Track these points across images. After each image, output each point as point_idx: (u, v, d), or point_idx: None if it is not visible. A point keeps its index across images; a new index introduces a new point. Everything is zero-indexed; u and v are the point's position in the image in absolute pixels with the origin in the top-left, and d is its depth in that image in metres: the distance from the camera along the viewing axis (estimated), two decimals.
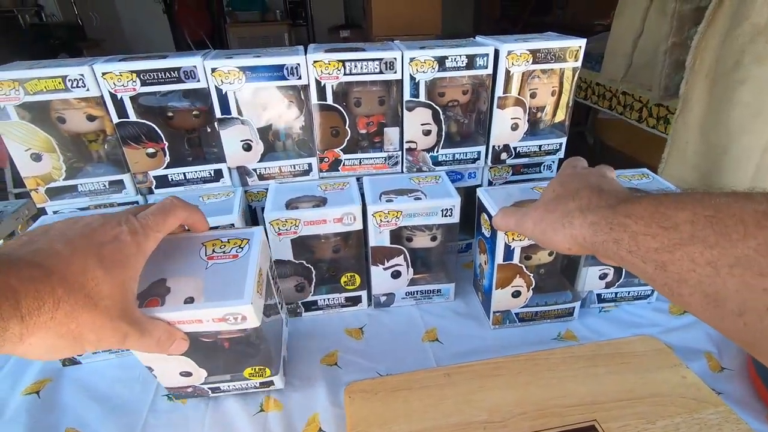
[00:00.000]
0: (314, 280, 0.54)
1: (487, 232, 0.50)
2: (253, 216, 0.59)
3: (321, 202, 0.51)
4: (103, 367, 0.50)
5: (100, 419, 0.44)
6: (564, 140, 0.61)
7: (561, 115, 0.60)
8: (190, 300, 0.35)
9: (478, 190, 0.52)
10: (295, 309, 0.56)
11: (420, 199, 0.51)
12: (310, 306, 0.56)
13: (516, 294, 0.52)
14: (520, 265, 0.49)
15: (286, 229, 0.49)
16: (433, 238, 0.55)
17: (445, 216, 0.52)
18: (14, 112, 0.47)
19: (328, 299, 0.56)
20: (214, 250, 0.39)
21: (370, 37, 3.04)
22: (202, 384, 0.43)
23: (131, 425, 0.43)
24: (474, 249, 0.57)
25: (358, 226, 0.51)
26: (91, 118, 0.51)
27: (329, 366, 0.49)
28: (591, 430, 0.36)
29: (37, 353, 0.27)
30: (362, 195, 0.53)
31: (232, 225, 0.48)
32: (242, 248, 0.39)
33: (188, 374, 0.41)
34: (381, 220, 0.51)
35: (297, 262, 0.52)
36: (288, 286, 0.54)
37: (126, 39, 4.30)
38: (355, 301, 0.57)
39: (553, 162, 0.63)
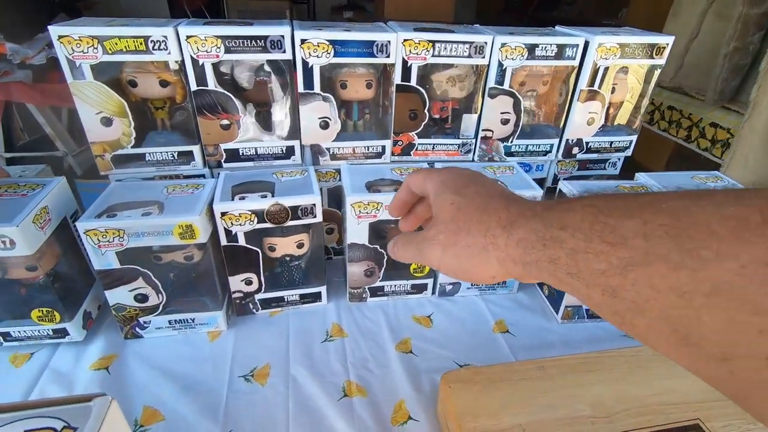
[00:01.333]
0: (384, 266, 0.53)
1: None
2: None
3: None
4: (167, 343, 0.48)
5: (177, 398, 0.42)
6: (635, 138, 0.60)
7: (636, 113, 0.59)
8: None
9: (561, 182, 0.51)
10: (361, 294, 0.55)
11: None
12: (376, 291, 0.55)
13: None
14: None
15: (367, 213, 0.48)
16: None
17: None
18: (90, 71, 0.44)
19: (395, 286, 0.55)
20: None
21: (379, 20, 2.98)
22: None
23: (212, 405, 0.42)
24: None
25: None
26: (163, 83, 0.48)
27: (405, 353, 0.48)
28: (696, 429, 0.36)
29: None
30: None
31: (314, 206, 0.47)
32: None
33: None
34: None
35: (371, 246, 0.51)
36: (357, 270, 0.53)
37: (120, 5, 4.12)
38: (420, 288, 0.56)
39: (619, 159, 0.63)
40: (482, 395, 0.38)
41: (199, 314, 0.48)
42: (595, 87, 0.54)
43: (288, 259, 0.51)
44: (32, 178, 0.46)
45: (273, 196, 0.46)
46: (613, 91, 0.56)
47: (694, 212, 0.17)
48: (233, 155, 0.52)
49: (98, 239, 0.41)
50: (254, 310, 0.52)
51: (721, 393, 0.17)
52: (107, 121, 0.47)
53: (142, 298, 0.46)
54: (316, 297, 0.54)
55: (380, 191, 0.49)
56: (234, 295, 0.50)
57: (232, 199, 0.45)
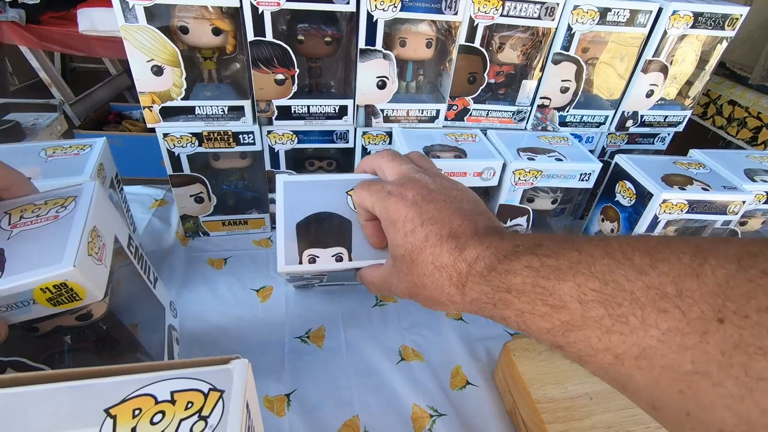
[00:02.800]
0: None
1: (626, 201, 0.49)
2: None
3: (461, 153, 0.49)
4: (219, 302, 0.48)
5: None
6: (689, 113, 0.59)
7: (698, 87, 0.58)
8: None
9: (617, 156, 0.51)
10: None
11: (561, 160, 0.50)
12: None
13: None
14: None
15: None
16: (554, 201, 0.54)
17: (582, 180, 0.50)
18: (143, 14, 0.41)
19: None
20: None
21: None
22: None
23: (273, 364, 0.42)
24: (593, 216, 0.56)
25: (494, 182, 0.49)
26: (216, 31, 0.45)
27: (455, 320, 0.49)
28: None
29: None
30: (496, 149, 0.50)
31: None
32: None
33: None
34: (519, 178, 0.49)
35: None
36: None
37: None
38: None
39: (669, 134, 0.62)
40: (546, 364, 0.39)
41: None
42: (661, 58, 0.53)
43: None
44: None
45: (350, 252, 0.36)
46: (672, 63, 0.55)
47: (618, 277, 0.20)
48: (285, 112, 0.49)
49: None
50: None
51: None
52: (158, 70, 0.44)
53: None
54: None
55: (439, 157, 0.48)
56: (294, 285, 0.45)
57: (301, 258, 0.35)
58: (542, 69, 0.52)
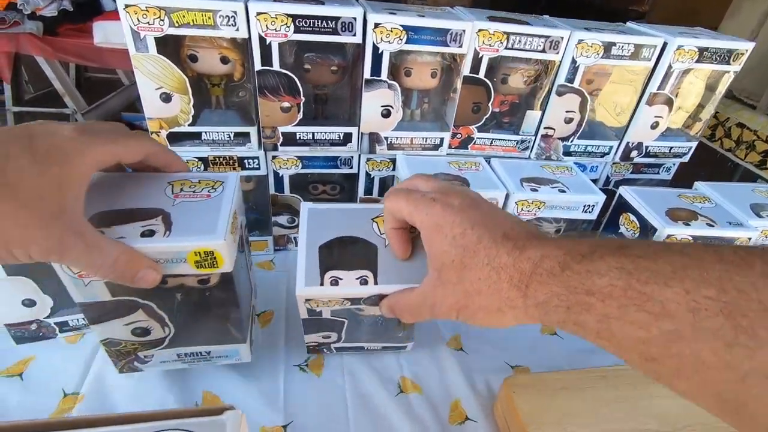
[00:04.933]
0: None
1: (630, 233, 0.49)
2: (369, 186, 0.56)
3: (463, 182, 0.49)
4: None
5: (235, 384, 0.42)
6: (694, 145, 0.59)
7: (705, 115, 0.57)
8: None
9: (622, 188, 0.50)
10: None
11: (564, 191, 0.49)
12: None
13: None
14: None
15: None
16: (557, 230, 0.54)
17: (585, 212, 0.50)
18: (153, 44, 0.42)
19: None
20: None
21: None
22: (47, 318, 0.40)
23: (271, 393, 0.42)
24: None
25: None
26: (224, 60, 0.46)
27: (456, 350, 0.48)
28: None
29: None
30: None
31: None
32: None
33: (32, 303, 0.37)
34: (522, 209, 0.49)
35: None
36: None
37: None
38: None
39: (674, 165, 0.62)
40: (545, 402, 0.38)
41: (215, 347, 0.39)
42: (666, 91, 0.53)
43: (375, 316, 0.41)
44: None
45: (376, 276, 0.34)
46: (677, 95, 0.55)
47: (741, 285, 0.17)
48: (290, 139, 0.50)
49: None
50: (328, 353, 0.45)
51: None
52: (167, 97, 0.45)
53: (143, 332, 0.35)
54: (400, 349, 0.46)
55: None
56: (308, 344, 0.43)
57: (322, 280, 0.34)
58: (546, 100, 0.52)
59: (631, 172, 0.61)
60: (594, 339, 0.21)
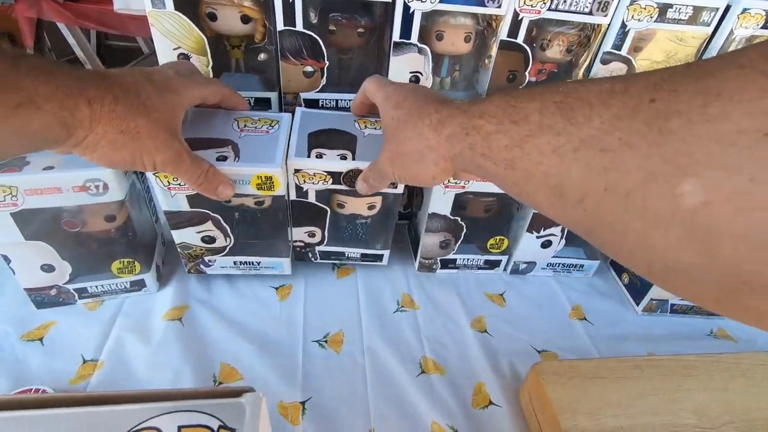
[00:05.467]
0: (461, 239, 0.50)
1: None
2: None
3: None
4: (237, 299, 0.47)
5: (252, 357, 0.41)
6: None
7: None
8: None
9: None
10: (431, 265, 0.52)
11: None
12: (447, 263, 0.53)
13: None
14: None
15: (455, 182, 0.44)
16: None
17: None
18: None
19: (467, 259, 0.53)
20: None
21: None
22: (66, 284, 0.42)
23: (289, 368, 0.41)
24: None
25: None
26: (245, 19, 0.43)
27: (480, 332, 0.47)
28: None
29: (102, 151, 0.30)
30: None
31: None
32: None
33: (51, 268, 0.40)
34: None
35: (452, 218, 0.48)
36: (433, 241, 0.50)
37: None
38: (493, 264, 0.54)
39: None
40: (578, 392, 0.36)
41: (265, 258, 0.46)
42: None
43: (355, 217, 0.48)
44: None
45: (354, 155, 0.42)
46: None
47: (579, 90, 0.21)
48: (312, 106, 0.47)
49: (168, 181, 0.38)
50: (313, 259, 0.50)
51: (579, 234, 0.21)
52: (185, 59, 0.43)
53: (210, 239, 0.44)
54: (377, 258, 0.51)
55: None
56: (295, 244, 0.48)
57: (309, 154, 0.41)
58: (589, 69, 0.48)
59: None
60: (479, 159, 0.25)
